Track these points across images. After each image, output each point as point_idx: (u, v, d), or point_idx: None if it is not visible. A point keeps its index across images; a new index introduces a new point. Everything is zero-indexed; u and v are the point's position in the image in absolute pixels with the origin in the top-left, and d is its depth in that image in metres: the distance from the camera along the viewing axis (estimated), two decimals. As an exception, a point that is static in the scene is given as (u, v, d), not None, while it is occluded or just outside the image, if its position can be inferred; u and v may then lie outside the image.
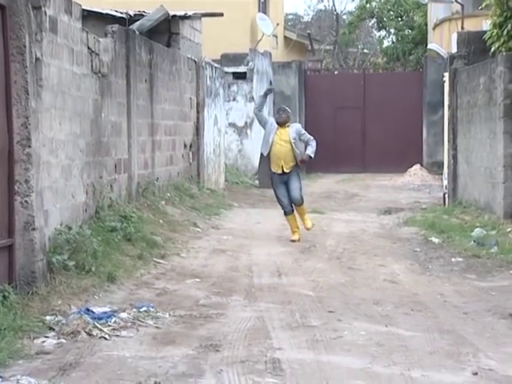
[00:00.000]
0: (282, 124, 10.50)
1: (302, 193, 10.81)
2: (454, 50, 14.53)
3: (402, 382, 4.81)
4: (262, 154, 10.74)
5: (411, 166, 21.85)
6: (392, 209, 14.85)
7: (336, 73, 28.68)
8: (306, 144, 10.58)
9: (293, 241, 10.47)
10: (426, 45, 24.00)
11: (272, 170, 10.55)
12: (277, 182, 10.57)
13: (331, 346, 5.64)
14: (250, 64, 20.21)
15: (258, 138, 20.96)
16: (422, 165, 22.40)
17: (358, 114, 24.11)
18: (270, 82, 22.69)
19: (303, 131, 10.77)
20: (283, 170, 10.47)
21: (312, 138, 10.55)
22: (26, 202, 6.63)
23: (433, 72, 22.86)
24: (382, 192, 18.48)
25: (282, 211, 10.76)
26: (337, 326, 6.21)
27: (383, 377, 4.90)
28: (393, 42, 31.87)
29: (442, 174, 17.42)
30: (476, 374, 4.99)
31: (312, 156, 10.47)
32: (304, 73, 24.38)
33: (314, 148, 10.49)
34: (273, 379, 4.80)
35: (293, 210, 10.59)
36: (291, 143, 10.40)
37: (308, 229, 10.77)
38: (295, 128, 10.67)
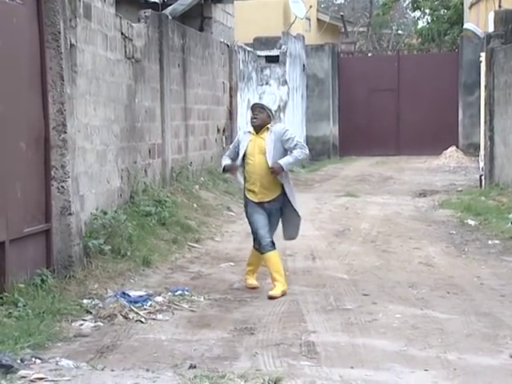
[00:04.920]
0: (258, 129, 6.72)
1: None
2: (491, 29, 14.27)
3: (438, 364, 4.78)
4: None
5: (446, 148, 21.58)
6: (427, 191, 14.70)
7: (370, 55, 28.38)
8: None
9: (272, 297, 6.54)
10: (462, 25, 23.61)
11: (246, 195, 6.84)
12: (251, 206, 6.77)
13: (366, 329, 5.62)
14: (282, 47, 20.09)
15: (292, 123, 20.97)
16: (457, 147, 22.10)
17: (392, 96, 23.84)
18: (304, 66, 22.56)
19: (288, 135, 6.72)
20: (261, 200, 6.73)
21: (302, 144, 6.77)
22: (62, 187, 6.72)
23: (469, 52, 22.48)
24: (417, 175, 18.30)
25: (258, 247, 6.81)
26: (372, 309, 6.19)
27: (419, 359, 4.88)
28: (428, 23, 31.39)
29: (478, 155, 17.16)
30: (513, 356, 4.93)
31: (284, 168, 6.60)
32: (337, 55, 24.16)
33: (297, 158, 6.67)
34: (307, 362, 4.81)
35: (274, 246, 6.73)
36: (266, 155, 6.65)
37: (271, 296, 6.55)
38: (275, 130, 6.75)
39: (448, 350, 5.08)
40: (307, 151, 6.75)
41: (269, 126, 6.73)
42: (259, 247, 6.71)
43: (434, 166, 20.20)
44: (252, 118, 6.77)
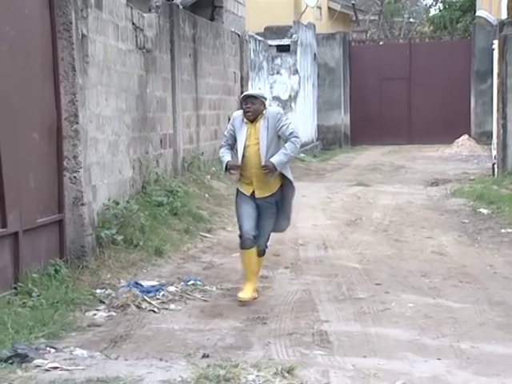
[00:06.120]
0: (253, 119, 6.14)
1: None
2: (504, 16, 14.14)
3: (452, 353, 4.78)
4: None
5: (459, 137, 21.47)
6: (439, 180, 14.64)
7: (381, 43, 28.25)
8: (285, 142, 6.11)
9: (242, 301, 6.06)
10: (475, 12, 23.42)
11: (239, 188, 6.30)
12: (243, 199, 6.22)
13: (379, 318, 5.62)
14: (293, 36, 20.02)
15: (303, 112, 20.92)
16: (469, 135, 21.98)
17: (403, 84, 23.73)
18: (315, 55, 22.48)
19: (283, 120, 6.13)
20: (254, 195, 6.19)
21: (295, 131, 6.17)
22: (74, 177, 6.74)
23: (481, 40, 22.32)
24: (429, 163, 18.23)
25: (239, 241, 6.29)
26: (384, 299, 6.18)
27: (432, 348, 4.88)
28: (440, 10, 31.18)
29: (490, 144, 17.08)
30: (527, 346, 4.92)
31: (277, 167, 6.02)
32: (348, 44, 24.05)
33: (290, 154, 6.08)
34: (320, 351, 4.82)
35: (254, 244, 6.19)
36: (259, 145, 6.08)
37: (241, 299, 6.08)
38: (269, 115, 6.15)
39: (461, 338, 5.07)
40: (299, 144, 6.19)
41: (263, 113, 6.11)
42: (240, 242, 6.16)
43: (446, 155, 20.11)
44: (245, 112, 6.10)
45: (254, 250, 6.19)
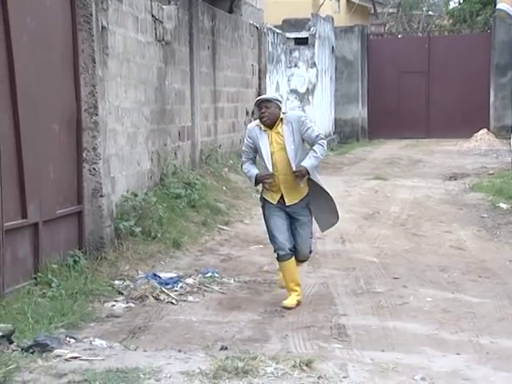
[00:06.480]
0: (271, 124, 5.79)
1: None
2: (525, 9, 13.99)
3: (471, 348, 4.76)
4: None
5: (477, 131, 21.31)
6: (458, 174, 14.56)
7: (400, 36, 28.06)
8: (311, 145, 5.89)
9: (287, 308, 5.76)
10: (495, 5, 23.17)
11: (265, 197, 5.97)
12: (271, 209, 5.91)
13: (397, 312, 5.61)
14: (311, 29, 19.94)
15: (320, 105, 20.85)
16: (488, 129, 21.81)
17: (422, 78, 23.58)
18: (333, 48, 22.38)
19: (307, 124, 5.86)
20: (284, 202, 5.89)
21: (320, 133, 5.90)
22: (93, 169, 6.77)
23: (502, 33, 22.12)
24: (447, 157, 18.12)
25: (275, 254, 5.95)
26: (402, 293, 6.17)
27: (451, 343, 4.86)
28: (459, 3, 30.88)
29: (510, 138, 16.92)
30: (547, 342, 4.89)
31: (310, 171, 5.76)
32: (367, 37, 23.93)
33: (320, 157, 5.83)
34: (338, 344, 4.81)
35: (292, 254, 5.89)
36: (287, 151, 5.78)
37: (286, 306, 5.80)
38: (292, 119, 5.83)
39: (480, 333, 5.05)
40: (326, 145, 5.92)
41: (281, 116, 5.80)
42: (276, 255, 5.90)
43: (465, 149, 19.98)
44: (261, 117, 5.78)
45: (292, 260, 5.88)
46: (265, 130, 5.80)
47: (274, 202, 5.85)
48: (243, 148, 6.01)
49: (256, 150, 5.86)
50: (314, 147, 5.81)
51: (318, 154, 5.79)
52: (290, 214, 5.87)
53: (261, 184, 5.89)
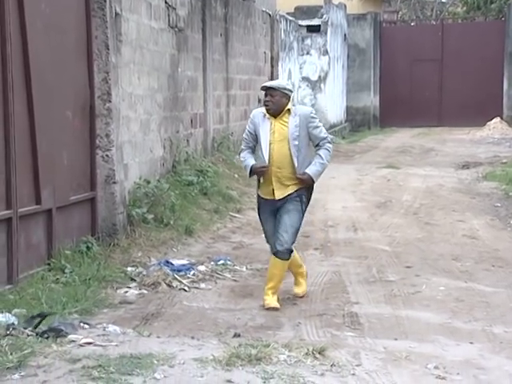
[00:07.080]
0: (276, 114, 5.45)
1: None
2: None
3: (484, 337, 4.75)
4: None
5: (490, 120, 21.18)
6: (470, 163, 14.48)
7: (413, 24, 27.88)
8: (316, 147, 5.55)
9: (272, 308, 5.40)
10: (509, -8, 22.99)
11: (259, 193, 5.64)
12: (265, 210, 5.60)
13: (409, 301, 5.60)
14: (324, 17, 19.84)
15: (332, 93, 20.77)
16: (502, 118, 21.67)
17: (435, 66, 23.44)
18: (345, 36, 22.25)
19: (316, 122, 5.52)
20: (274, 196, 5.48)
21: (328, 136, 5.62)
22: (106, 156, 6.78)
23: (516, 21, 21.96)
24: (460, 146, 18.03)
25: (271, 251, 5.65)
26: (415, 281, 6.15)
27: (464, 332, 4.85)
28: (473, -10, 30.63)
29: (523, 127, 16.82)
30: (560, 331, 4.87)
31: (315, 179, 5.47)
32: (379, 25, 23.79)
33: (325, 164, 5.51)
34: (351, 333, 4.81)
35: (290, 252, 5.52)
36: (290, 145, 5.43)
37: (298, 295, 5.75)
38: (301, 113, 5.49)
39: (494, 323, 5.03)
40: (332, 149, 5.59)
41: (290, 107, 5.44)
42: (273, 252, 5.50)
43: (478, 138, 19.87)
44: (265, 105, 5.46)
45: (286, 263, 5.52)
46: (268, 118, 5.46)
47: (266, 197, 5.49)
48: (244, 135, 5.70)
49: (256, 139, 5.52)
50: (320, 152, 5.49)
51: (324, 161, 5.47)
52: (279, 208, 5.47)
53: (256, 176, 5.56)
